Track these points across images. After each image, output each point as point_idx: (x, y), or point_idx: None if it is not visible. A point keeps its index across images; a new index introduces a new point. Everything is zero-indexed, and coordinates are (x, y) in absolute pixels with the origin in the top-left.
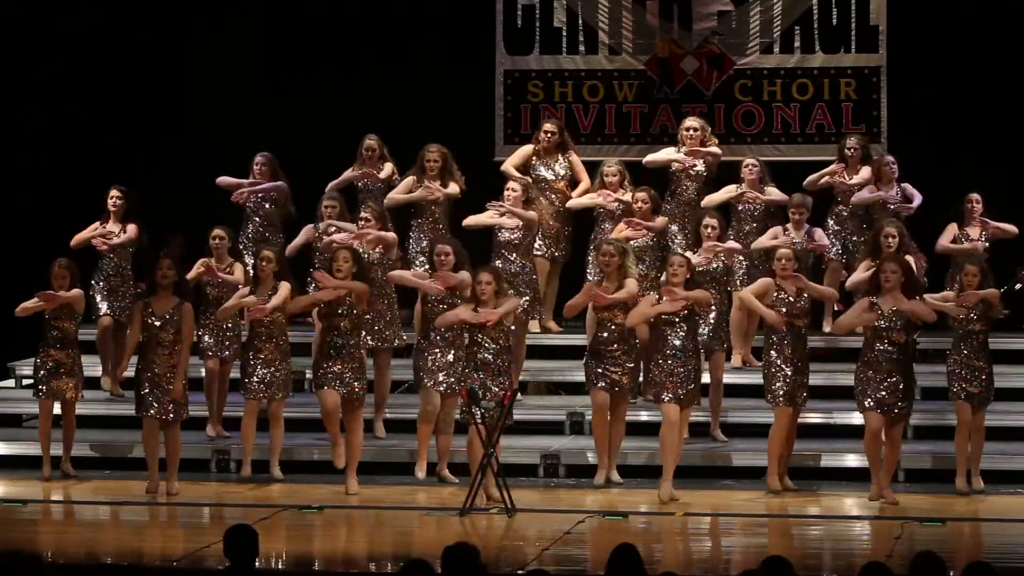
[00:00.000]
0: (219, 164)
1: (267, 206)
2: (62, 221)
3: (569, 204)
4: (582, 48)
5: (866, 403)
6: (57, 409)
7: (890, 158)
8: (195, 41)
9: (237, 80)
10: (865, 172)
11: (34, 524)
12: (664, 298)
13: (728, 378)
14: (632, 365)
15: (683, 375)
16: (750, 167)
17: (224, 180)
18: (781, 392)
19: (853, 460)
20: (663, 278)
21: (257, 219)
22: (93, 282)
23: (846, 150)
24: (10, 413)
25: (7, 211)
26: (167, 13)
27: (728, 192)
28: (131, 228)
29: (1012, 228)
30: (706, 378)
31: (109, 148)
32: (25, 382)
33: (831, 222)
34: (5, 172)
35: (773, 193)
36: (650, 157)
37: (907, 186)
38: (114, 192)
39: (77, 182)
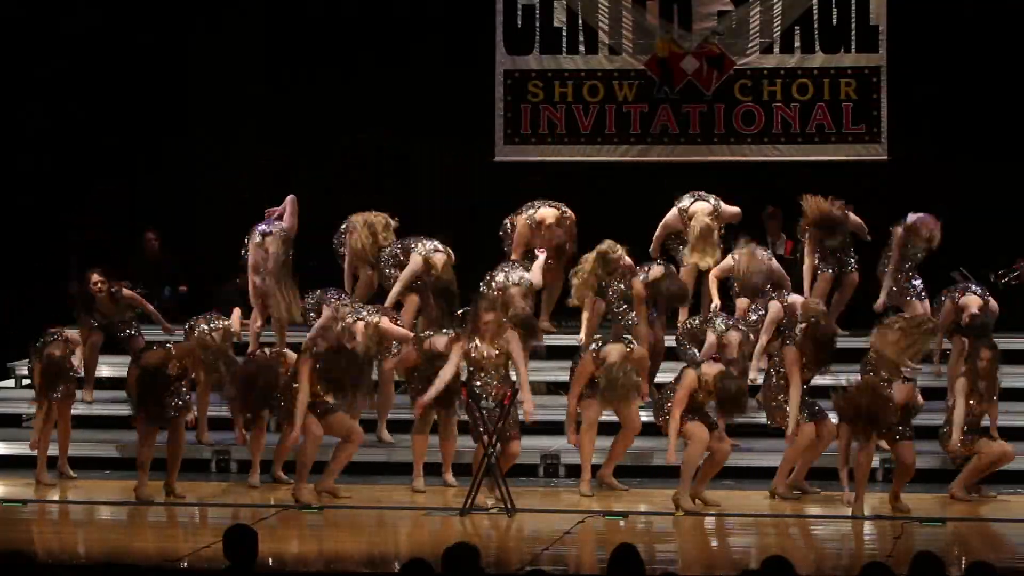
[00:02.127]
0: (219, 164)
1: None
2: (62, 221)
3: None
4: (582, 48)
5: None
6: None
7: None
8: (195, 41)
9: (237, 80)
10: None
11: (34, 524)
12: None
13: None
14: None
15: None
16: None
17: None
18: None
19: None
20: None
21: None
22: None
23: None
24: (10, 413)
25: (7, 211)
26: (167, 13)
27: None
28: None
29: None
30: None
31: (109, 148)
32: (25, 382)
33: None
34: (5, 172)
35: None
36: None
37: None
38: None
39: (77, 182)
